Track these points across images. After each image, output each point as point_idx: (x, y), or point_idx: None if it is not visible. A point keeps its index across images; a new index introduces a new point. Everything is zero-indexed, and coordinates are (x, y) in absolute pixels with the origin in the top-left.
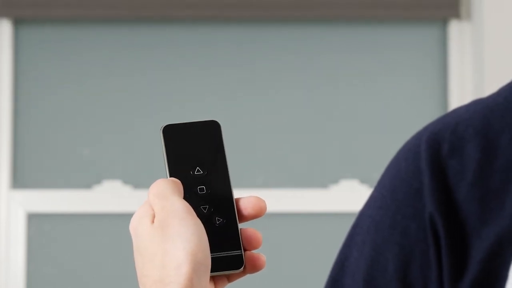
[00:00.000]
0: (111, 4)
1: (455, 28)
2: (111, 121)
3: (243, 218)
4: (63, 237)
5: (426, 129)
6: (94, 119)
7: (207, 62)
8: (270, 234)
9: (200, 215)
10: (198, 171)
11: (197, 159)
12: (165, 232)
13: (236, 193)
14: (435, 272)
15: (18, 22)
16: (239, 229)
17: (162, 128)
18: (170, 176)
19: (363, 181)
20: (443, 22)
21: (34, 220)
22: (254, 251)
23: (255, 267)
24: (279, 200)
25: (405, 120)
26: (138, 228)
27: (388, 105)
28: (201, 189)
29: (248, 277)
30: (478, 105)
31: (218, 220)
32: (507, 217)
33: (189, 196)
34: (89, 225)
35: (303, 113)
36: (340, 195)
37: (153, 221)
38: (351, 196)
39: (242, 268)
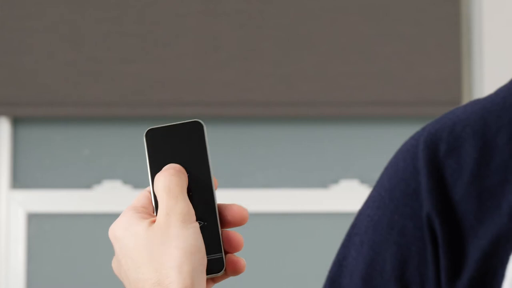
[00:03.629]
0: (109, 103)
1: None
2: (112, 121)
3: (225, 225)
4: (63, 237)
5: (424, 129)
6: (94, 119)
7: None
8: (270, 234)
9: None
10: None
11: (179, 161)
12: (164, 234)
13: (235, 193)
14: (432, 272)
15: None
16: (220, 232)
17: (145, 133)
18: (152, 180)
19: (363, 181)
20: None
21: (34, 220)
22: (236, 254)
23: (235, 271)
24: (279, 200)
25: (406, 122)
26: (131, 229)
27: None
28: None
29: (248, 277)
30: (475, 105)
31: (200, 223)
32: (504, 216)
33: None
34: (89, 225)
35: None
36: (340, 195)
37: (153, 222)
38: (351, 196)
39: (222, 271)
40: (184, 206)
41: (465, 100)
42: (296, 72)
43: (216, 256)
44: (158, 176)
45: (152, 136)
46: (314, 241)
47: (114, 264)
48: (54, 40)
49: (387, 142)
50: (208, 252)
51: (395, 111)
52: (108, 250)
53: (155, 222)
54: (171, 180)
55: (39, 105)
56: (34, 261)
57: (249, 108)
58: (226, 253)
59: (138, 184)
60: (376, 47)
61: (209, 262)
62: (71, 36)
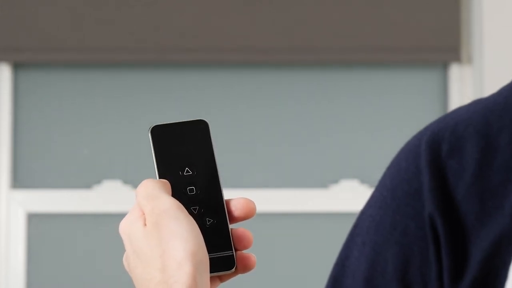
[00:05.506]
0: (109, 49)
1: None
2: (111, 120)
3: (233, 219)
4: (63, 237)
5: (426, 129)
6: (94, 119)
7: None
8: (270, 234)
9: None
10: (187, 171)
11: (185, 159)
12: (160, 233)
13: (235, 193)
14: (435, 272)
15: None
16: (229, 230)
17: (150, 129)
18: (159, 177)
19: (363, 181)
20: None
21: (34, 220)
22: (245, 251)
23: (246, 267)
24: (279, 200)
25: (405, 121)
26: (132, 232)
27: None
28: (191, 190)
29: (248, 277)
30: (478, 105)
31: (209, 221)
32: (507, 216)
33: (179, 197)
34: (89, 225)
35: (303, 113)
36: (340, 195)
37: (145, 224)
38: (351, 196)
39: (234, 268)
40: (169, 203)
41: (464, 46)
42: (296, 18)
43: (227, 253)
44: (136, 190)
45: (158, 133)
46: (314, 241)
47: (124, 261)
48: None
49: (387, 140)
50: (218, 250)
51: (393, 57)
52: (108, 250)
53: (147, 225)
54: (146, 186)
55: (39, 50)
56: (34, 261)
57: (248, 55)
58: (235, 250)
59: (138, 184)
60: None
61: (220, 260)
62: None
